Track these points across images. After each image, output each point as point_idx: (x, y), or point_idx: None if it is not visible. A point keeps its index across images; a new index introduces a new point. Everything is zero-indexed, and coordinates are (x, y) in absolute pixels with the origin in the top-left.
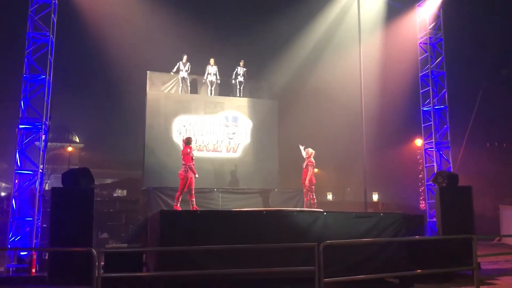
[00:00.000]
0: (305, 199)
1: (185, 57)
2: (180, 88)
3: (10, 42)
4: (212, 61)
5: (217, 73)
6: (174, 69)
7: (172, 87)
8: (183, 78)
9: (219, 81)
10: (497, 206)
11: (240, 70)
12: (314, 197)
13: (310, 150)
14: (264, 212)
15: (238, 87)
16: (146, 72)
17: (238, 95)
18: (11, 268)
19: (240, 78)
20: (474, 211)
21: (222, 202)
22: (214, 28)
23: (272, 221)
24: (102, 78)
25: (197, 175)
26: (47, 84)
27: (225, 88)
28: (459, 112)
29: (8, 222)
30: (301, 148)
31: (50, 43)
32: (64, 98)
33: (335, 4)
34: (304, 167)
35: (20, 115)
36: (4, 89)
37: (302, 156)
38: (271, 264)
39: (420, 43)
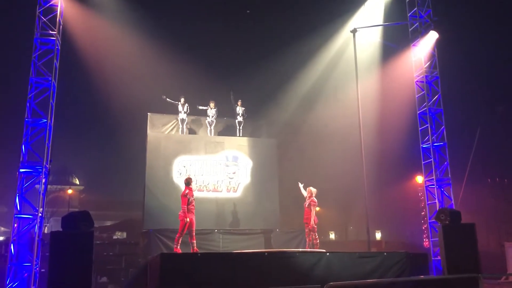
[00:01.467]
0: (307, 239)
1: (182, 99)
2: (180, 129)
3: (13, 87)
4: (212, 104)
5: (216, 114)
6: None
7: (172, 129)
8: (182, 120)
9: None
10: (502, 243)
11: (239, 109)
12: (317, 237)
13: (312, 189)
14: (266, 254)
15: (238, 127)
16: (147, 114)
17: (238, 134)
18: None
19: (240, 118)
20: (479, 249)
21: (223, 244)
22: (213, 68)
23: (274, 262)
24: (103, 120)
25: (187, 219)
26: (48, 128)
27: (225, 128)
28: (459, 148)
29: (6, 268)
30: (301, 186)
31: (52, 87)
32: (65, 141)
33: (332, 45)
34: (306, 206)
35: (21, 159)
36: (5, 134)
37: (303, 195)
38: None
39: (417, 81)
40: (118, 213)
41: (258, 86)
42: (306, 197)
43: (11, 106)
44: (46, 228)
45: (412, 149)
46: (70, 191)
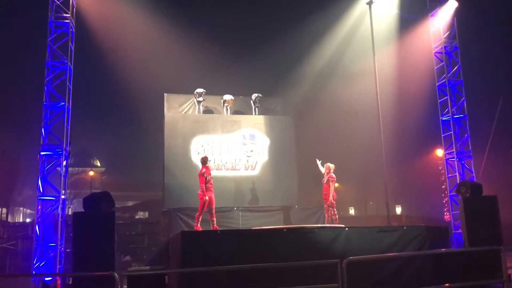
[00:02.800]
0: (326, 215)
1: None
2: (197, 109)
3: (30, 71)
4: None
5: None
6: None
7: (189, 108)
8: (199, 101)
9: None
10: None
11: (254, 96)
12: (336, 212)
13: (330, 164)
14: (285, 230)
15: (253, 106)
16: (163, 95)
17: (254, 113)
18: None
19: (255, 105)
20: (501, 221)
21: (242, 221)
22: (228, 46)
23: (294, 238)
24: (121, 102)
25: (206, 198)
26: (66, 110)
27: (241, 107)
28: (480, 120)
29: (33, 248)
30: (318, 163)
31: (68, 70)
32: (84, 124)
33: (348, 18)
34: (324, 182)
35: (41, 142)
36: (26, 117)
37: (321, 171)
38: (294, 282)
39: (435, 52)
40: (140, 193)
41: (274, 63)
42: (324, 173)
43: (29, 90)
44: (69, 209)
45: (432, 122)
46: (91, 173)
